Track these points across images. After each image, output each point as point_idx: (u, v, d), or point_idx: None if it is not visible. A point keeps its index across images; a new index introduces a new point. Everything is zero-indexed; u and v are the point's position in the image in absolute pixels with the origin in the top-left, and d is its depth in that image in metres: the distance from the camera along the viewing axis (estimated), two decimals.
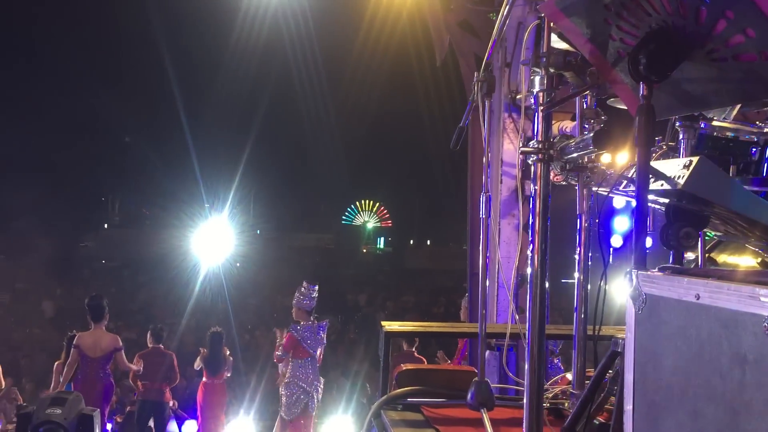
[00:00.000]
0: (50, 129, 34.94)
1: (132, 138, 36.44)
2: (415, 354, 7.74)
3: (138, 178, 36.90)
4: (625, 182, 2.12)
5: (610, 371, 2.34)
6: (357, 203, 49.50)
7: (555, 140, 2.24)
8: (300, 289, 5.99)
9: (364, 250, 46.62)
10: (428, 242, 46.20)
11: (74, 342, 6.70)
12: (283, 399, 5.85)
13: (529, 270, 2.38)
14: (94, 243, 34.35)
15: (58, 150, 34.36)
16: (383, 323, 3.67)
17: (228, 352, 8.29)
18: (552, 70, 2.18)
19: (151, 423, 7.96)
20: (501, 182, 5.49)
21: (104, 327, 6.78)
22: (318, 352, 5.90)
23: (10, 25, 35.95)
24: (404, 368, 3.44)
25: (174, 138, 31.45)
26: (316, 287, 6.01)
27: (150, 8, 30.95)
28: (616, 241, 4.98)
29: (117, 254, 32.05)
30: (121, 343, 6.79)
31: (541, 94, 2.20)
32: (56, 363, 7.28)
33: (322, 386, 5.88)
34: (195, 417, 8.51)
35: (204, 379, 8.08)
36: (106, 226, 38.95)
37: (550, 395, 3.05)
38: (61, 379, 6.81)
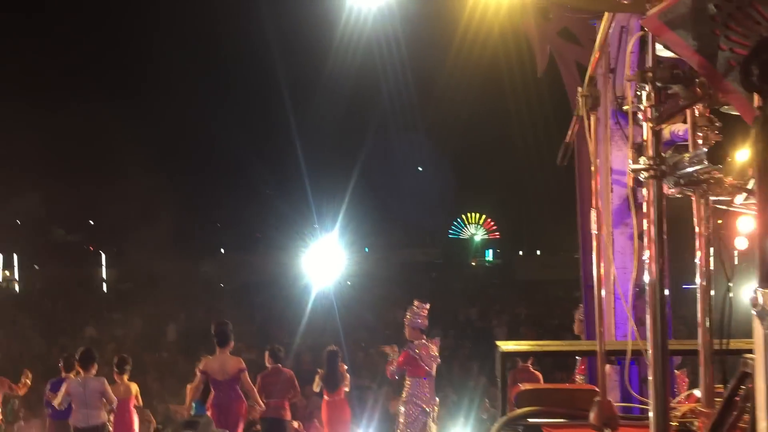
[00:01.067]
0: (169, 158, 36.90)
1: (245, 162, 37.90)
2: (531, 368, 7.62)
3: (251, 202, 38.33)
4: (745, 195, 2.04)
5: (742, 387, 2.23)
6: (463, 216, 49.31)
7: (667, 156, 2.17)
8: (412, 309, 6.03)
9: (473, 263, 46.31)
10: (538, 252, 45.33)
11: (201, 367, 7.08)
12: (401, 418, 5.89)
13: (646, 279, 2.29)
14: (212, 267, 35.91)
15: (181, 178, 36.26)
16: (499, 343, 3.66)
17: (345, 367, 8.46)
18: (659, 84, 2.12)
19: None
20: (611, 191, 5.33)
21: (229, 351, 7.10)
22: (433, 370, 5.91)
23: (127, 50, 38.35)
24: (523, 388, 3.41)
25: (285, 161, 32.54)
26: (428, 306, 6.02)
27: (260, 33, 32.30)
28: (741, 243, 4.71)
29: (234, 277, 33.42)
30: (244, 365, 7.09)
31: (648, 109, 2.14)
32: (189, 386, 7.72)
33: (437, 405, 5.87)
34: None
35: (325, 397, 8.28)
36: (222, 250, 40.67)
37: (678, 414, 2.93)
38: (186, 401, 7.31)
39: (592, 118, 2.57)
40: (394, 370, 6.10)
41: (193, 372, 10.59)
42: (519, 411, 3.15)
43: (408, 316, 6.03)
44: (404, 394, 5.94)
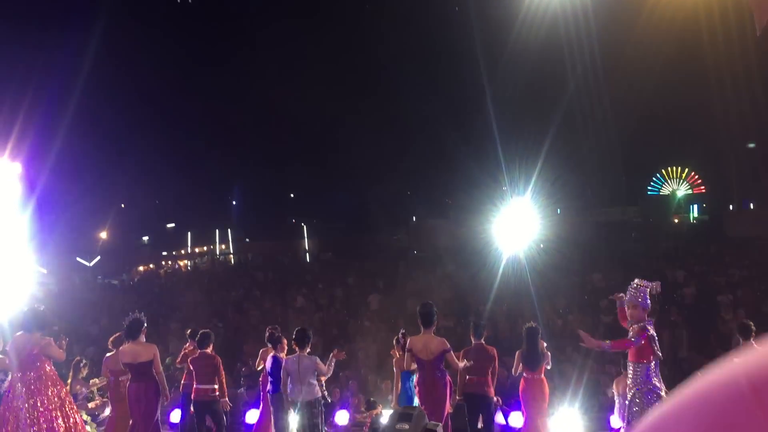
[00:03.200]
0: (362, 128, 38.16)
1: (432, 128, 38.28)
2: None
3: (440, 168, 38.68)
4: None
5: None
6: (663, 172, 46.21)
7: None
8: (631, 287, 5.65)
9: (676, 221, 43.35)
10: (751, 206, 41.32)
11: (407, 346, 7.29)
12: (636, 407, 5.57)
13: None
14: (405, 235, 36.87)
15: (368, 149, 37.47)
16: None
17: (545, 345, 8.28)
18: None
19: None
20: None
21: (432, 332, 7.22)
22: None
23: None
24: None
25: (475, 124, 32.40)
26: (652, 284, 5.59)
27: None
28: None
29: (426, 245, 34.06)
30: (448, 345, 7.18)
31: None
32: (395, 359, 8.01)
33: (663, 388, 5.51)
34: (519, 409, 8.67)
35: (525, 374, 8.19)
36: (414, 218, 41.57)
37: None
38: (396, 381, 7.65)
39: None
40: (633, 342, 5.66)
41: (391, 340, 10.99)
42: None
43: (626, 296, 5.67)
44: (630, 378, 5.62)
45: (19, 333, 7.07)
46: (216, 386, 8.89)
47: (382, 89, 40.10)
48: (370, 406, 9.61)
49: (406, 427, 3.33)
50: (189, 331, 10.02)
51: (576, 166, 34.79)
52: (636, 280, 5.78)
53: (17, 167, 15.57)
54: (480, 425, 8.49)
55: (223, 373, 9.48)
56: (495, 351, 8.37)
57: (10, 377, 7.63)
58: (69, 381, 11.05)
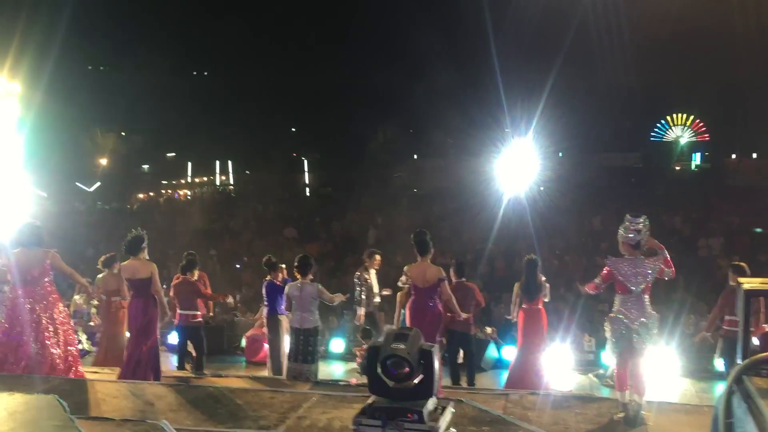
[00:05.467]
0: (363, 65, 37.66)
1: (435, 67, 37.71)
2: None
3: (442, 108, 38.30)
4: None
5: None
6: (667, 118, 45.74)
7: None
8: (624, 223, 5.68)
9: (677, 168, 43.18)
10: (754, 155, 41.13)
11: (405, 271, 7.33)
12: (608, 334, 5.71)
13: None
14: (406, 173, 36.79)
15: (372, 84, 37.06)
16: (742, 280, 3.29)
17: (543, 278, 8.35)
18: None
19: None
20: None
21: (429, 260, 7.24)
22: (641, 287, 5.58)
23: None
24: None
25: (477, 64, 31.91)
26: (640, 219, 5.62)
27: None
28: None
29: (426, 183, 34.01)
30: (444, 274, 7.21)
31: None
32: (398, 293, 8.07)
33: (651, 321, 5.55)
34: (514, 343, 8.79)
35: (522, 305, 8.28)
36: (415, 156, 41.42)
37: None
38: (397, 310, 7.75)
39: None
40: (597, 282, 5.86)
41: (388, 275, 11.07)
42: (764, 354, 2.82)
43: (621, 231, 5.69)
44: (613, 311, 5.71)
45: (18, 249, 7.05)
46: (198, 312, 8.98)
47: (384, 24, 39.37)
48: (366, 335, 9.74)
49: (402, 346, 3.34)
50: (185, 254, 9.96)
51: (579, 108, 34.43)
52: (627, 216, 5.80)
53: (16, 87, 15.37)
54: (460, 360, 8.67)
55: (210, 294, 9.59)
56: (475, 287, 8.52)
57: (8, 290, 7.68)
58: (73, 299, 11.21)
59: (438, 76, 37.04)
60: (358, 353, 9.88)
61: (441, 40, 37.91)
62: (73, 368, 7.02)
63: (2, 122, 14.74)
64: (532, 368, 8.12)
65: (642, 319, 5.58)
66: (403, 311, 7.53)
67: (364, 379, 4.08)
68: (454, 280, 8.33)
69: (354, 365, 9.88)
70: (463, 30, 36.70)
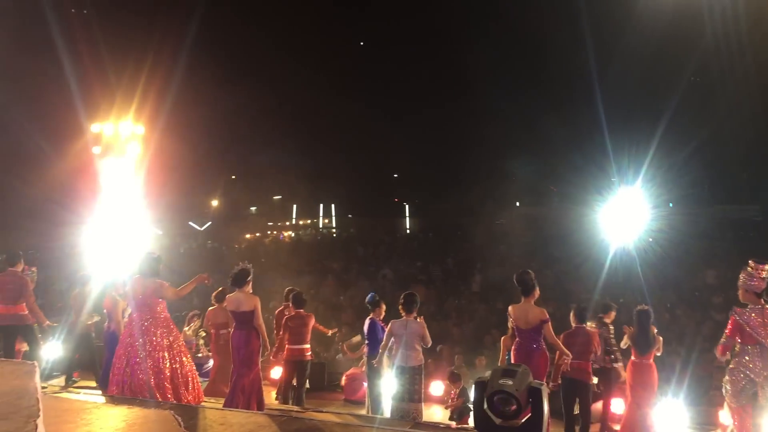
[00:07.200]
0: (464, 111, 37.86)
1: (539, 114, 37.41)
2: None
3: (546, 155, 37.80)
4: None
5: None
6: None
7: None
8: (746, 269, 5.37)
9: None
10: None
11: (508, 311, 7.19)
12: (728, 386, 5.36)
13: None
14: (508, 220, 36.33)
15: (476, 132, 37.10)
16: None
17: (656, 330, 7.97)
18: None
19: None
20: None
21: (533, 301, 7.08)
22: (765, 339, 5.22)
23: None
24: None
25: (582, 111, 31.36)
26: (766, 266, 5.30)
27: None
28: None
29: (528, 231, 33.39)
30: (547, 316, 7.02)
31: None
32: (503, 337, 7.93)
33: None
34: (621, 395, 8.40)
35: (633, 357, 7.91)
36: (517, 204, 40.87)
37: None
38: (501, 353, 7.59)
39: None
40: (724, 342, 5.50)
41: (489, 320, 10.91)
42: None
43: (741, 278, 5.38)
44: (732, 361, 5.37)
45: (136, 276, 7.46)
46: (307, 346, 9.12)
47: (487, 76, 39.52)
48: (454, 378, 9.60)
49: (510, 382, 3.26)
50: (286, 291, 10.16)
51: (693, 158, 33.02)
52: (750, 262, 5.47)
53: (140, 129, 16.43)
54: (576, 411, 8.29)
55: (322, 328, 9.78)
56: (596, 333, 8.16)
57: (126, 319, 8.11)
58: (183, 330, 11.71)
59: (542, 124, 36.72)
60: (447, 400, 9.71)
61: (545, 88, 37.63)
62: (185, 393, 7.25)
63: (128, 162, 15.81)
64: (643, 425, 7.71)
65: (766, 373, 5.21)
66: (508, 354, 7.36)
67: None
68: (574, 324, 8.09)
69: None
70: (568, 76, 36.19)
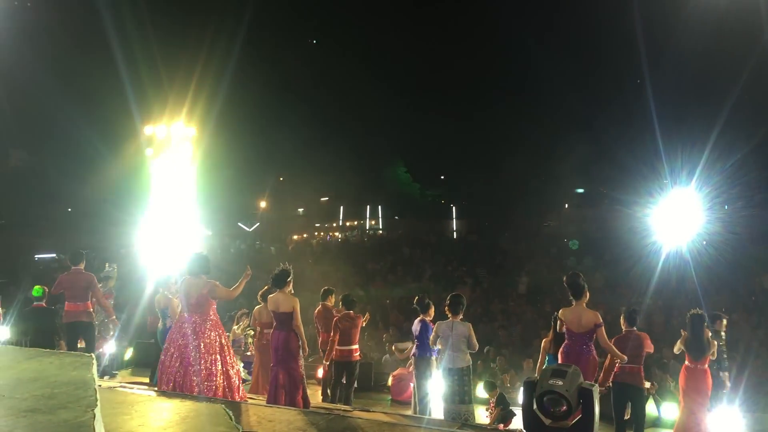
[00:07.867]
0: (513, 115, 37.55)
1: (587, 115, 36.88)
2: None
3: (596, 156, 37.20)
4: None
5: None
6: None
7: None
8: None
9: None
10: None
11: (560, 315, 7.10)
12: None
13: None
14: (556, 222, 35.89)
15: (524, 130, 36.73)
16: None
17: (710, 334, 7.78)
18: None
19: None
20: None
21: (584, 304, 6.99)
22: None
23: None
24: None
25: (633, 111, 30.77)
26: None
27: None
28: None
29: (577, 233, 32.87)
30: (601, 320, 6.92)
31: None
32: (544, 339, 7.84)
33: None
34: (675, 400, 8.21)
35: (686, 362, 7.74)
36: (566, 206, 40.30)
37: None
38: (540, 356, 7.48)
39: None
40: None
41: (537, 323, 10.77)
42: None
43: None
44: None
45: (186, 276, 7.55)
46: (356, 347, 9.15)
47: (528, 79, 39.10)
48: (490, 387, 9.53)
49: (560, 383, 3.22)
50: (323, 290, 10.22)
51: (750, 159, 32.04)
52: None
53: (191, 131, 16.71)
54: (627, 416, 8.13)
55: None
56: (646, 336, 8.01)
57: (175, 318, 8.24)
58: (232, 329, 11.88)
59: (591, 124, 36.18)
60: (487, 410, 9.61)
61: (595, 88, 37.01)
62: (232, 393, 7.33)
63: (179, 163, 16.10)
64: (697, 431, 7.52)
65: None
66: (548, 357, 7.28)
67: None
68: (624, 328, 7.95)
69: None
70: (618, 74, 35.54)
